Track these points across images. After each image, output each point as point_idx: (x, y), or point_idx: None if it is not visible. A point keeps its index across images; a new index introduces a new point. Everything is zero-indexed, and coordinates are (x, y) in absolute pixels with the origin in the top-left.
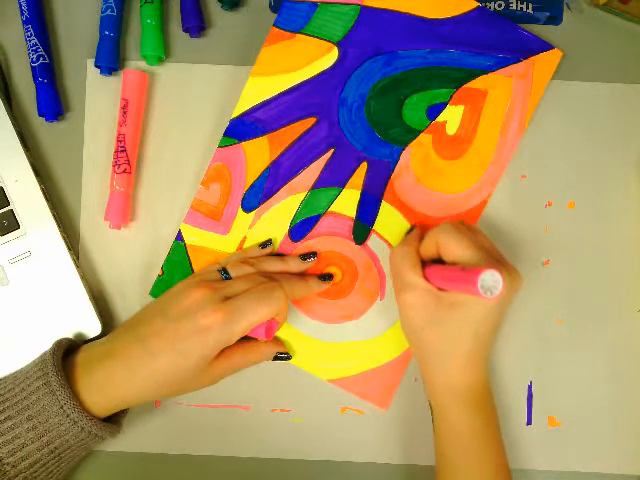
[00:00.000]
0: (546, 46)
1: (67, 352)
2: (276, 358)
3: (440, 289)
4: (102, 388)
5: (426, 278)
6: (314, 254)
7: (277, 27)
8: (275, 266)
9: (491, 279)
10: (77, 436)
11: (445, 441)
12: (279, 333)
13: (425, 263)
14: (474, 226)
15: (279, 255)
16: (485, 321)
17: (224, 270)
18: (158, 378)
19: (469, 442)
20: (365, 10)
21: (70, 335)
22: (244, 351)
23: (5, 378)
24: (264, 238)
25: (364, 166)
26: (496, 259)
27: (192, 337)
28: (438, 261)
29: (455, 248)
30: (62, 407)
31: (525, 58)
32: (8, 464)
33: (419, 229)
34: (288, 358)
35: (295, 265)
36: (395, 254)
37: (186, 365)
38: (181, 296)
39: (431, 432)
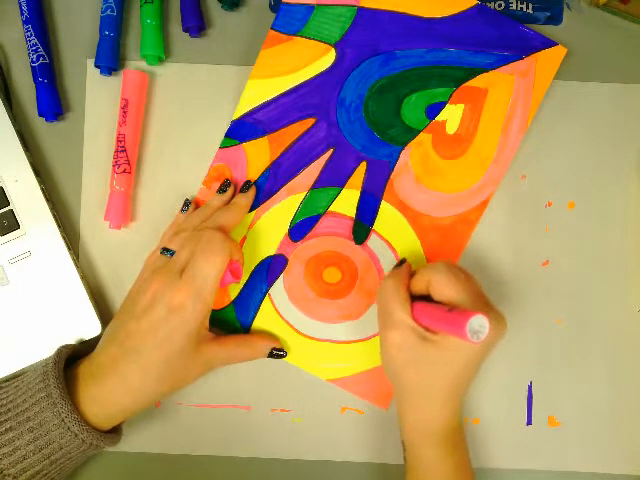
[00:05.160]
0: (549, 43)
1: (70, 359)
2: (271, 355)
3: (426, 328)
4: (102, 403)
5: (413, 315)
6: (228, 182)
7: (275, 30)
8: (202, 216)
9: (478, 323)
10: (78, 448)
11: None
12: (279, 332)
13: (413, 299)
14: (466, 270)
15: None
16: (467, 365)
17: (165, 249)
18: (151, 373)
19: None
20: (362, 11)
21: (69, 335)
22: (239, 342)
23: (7, 386)
24: (264, 238)
25: (363, 166)
26: (484, 304)
27: (169, 320)
28: (424, 297)
29: (447, 289)
30: (63, 420)
31: (527, 55)
32: (9, 475)
33: (409, 263)
34: (283, 355)
35: (216, 201)
36: (385, 288)
37: (173, 349)
38: (141, 292)
39: None
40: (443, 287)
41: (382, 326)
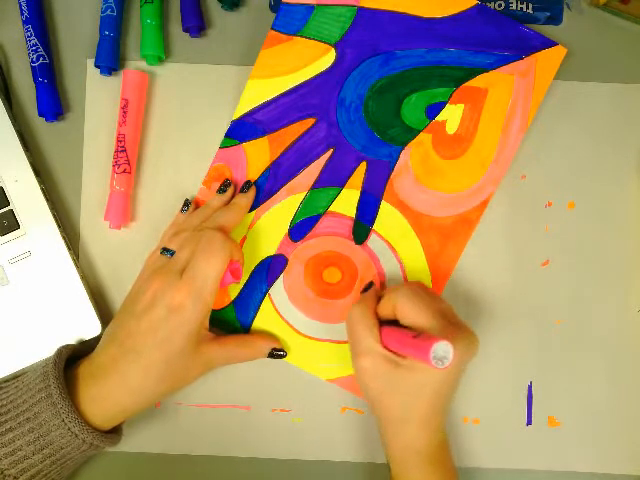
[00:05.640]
0: (549, 43)
1: (70, 359)
2: (271, 355)
3: (395, 353)
4: (103, 404)
5: (382, 340)
6: (228, 182)
7: (275, 30)
8: (202, 216)
9: (442, 349)
10: (78, 448)
11: None
12: (279, 332)
13: (382, 323)
14: (432, 290)
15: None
16: (441, 387)
17: (165, 249)
18: (151, 373)
19: None
20: (362, 11)
21: (69, 335)
22: (238, 342)
23: (7, 386)
24: (264, 238)
25: (363, 166)
26: (453, 324)
27: (169, 320)
28: (395, 322)
29: (412, 314)
30: (63, 420)
31: (527, 55)
32: (10, 476)
33: (376, 287)
34: (283, 355)
35: (216, 202)
36: (353, 315)
37: (173, 349)
38: (141, 292)
39: None
40: (408, 312)
41: (353, 354)
